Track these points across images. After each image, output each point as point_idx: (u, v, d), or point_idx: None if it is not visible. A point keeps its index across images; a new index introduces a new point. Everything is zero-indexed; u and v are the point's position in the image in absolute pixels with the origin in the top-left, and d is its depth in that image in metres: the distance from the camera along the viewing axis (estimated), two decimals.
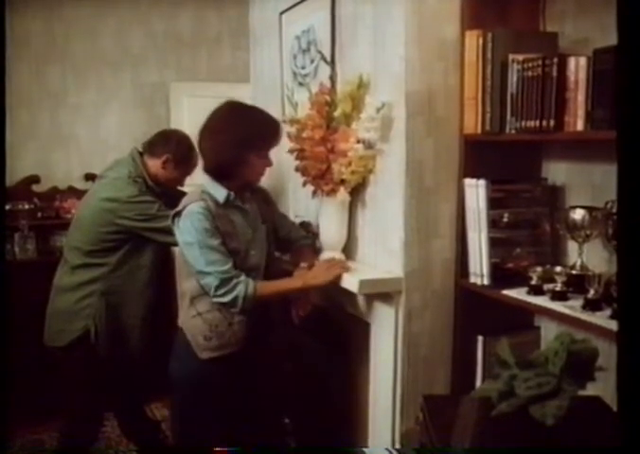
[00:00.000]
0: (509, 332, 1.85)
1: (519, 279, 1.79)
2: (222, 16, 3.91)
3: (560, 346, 1.32)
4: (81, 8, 3.60)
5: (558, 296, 1.65)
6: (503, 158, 1.85)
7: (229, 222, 1.98)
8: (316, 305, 2.18)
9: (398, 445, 1.99)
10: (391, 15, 1.91)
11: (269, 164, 2.06)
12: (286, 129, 2.17)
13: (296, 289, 2.04)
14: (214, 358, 1.98)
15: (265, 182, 2.19)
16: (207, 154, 2.01)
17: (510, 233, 1.85)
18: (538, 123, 1.61)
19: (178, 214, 1.96)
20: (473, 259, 1.84)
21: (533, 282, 1.73)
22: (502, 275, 1.82)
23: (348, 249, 2.21)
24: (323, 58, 2.25)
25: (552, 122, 1.58)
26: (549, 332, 1.94)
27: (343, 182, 2.07)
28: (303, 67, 2.50)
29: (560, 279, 1.67)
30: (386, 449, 1.99)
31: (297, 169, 2.23)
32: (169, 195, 2.39)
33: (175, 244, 2.09)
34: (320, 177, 2.14)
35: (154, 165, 2.43)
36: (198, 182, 2.10)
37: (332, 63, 2.24)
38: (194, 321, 2.00)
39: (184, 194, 2.19)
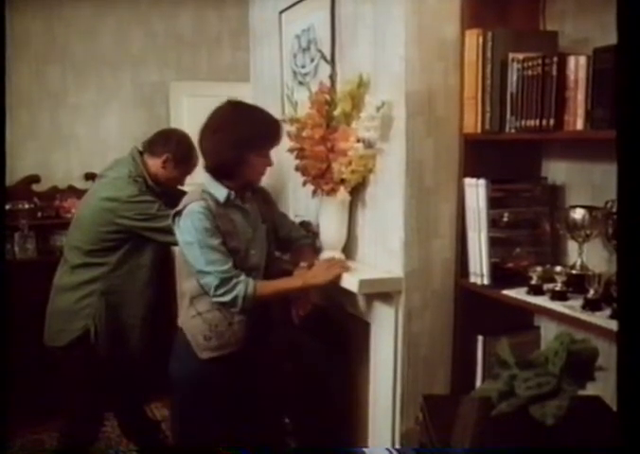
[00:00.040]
0: (509, 332, 1.85)
1: (519, 279, 1.78)
2: (222, 16, 3.91)
3: (559, 346, 1.32)
4: (81, 9, 3.60)
5: (557, 296, 1.65)
6: (503, 157, 1.85)
7: (229, 222, 1.98)
8: (316, 305, 2.18)
9: (398, 445, 1.99)
10: (391, 15, 1.90)
11: (269, 163, 2.06)
12: (286, 128, 2.17)
13: (296, 289, 2.04)
14: (214, 358, 1.98)
15: (265, 181, 2.19)
16: (208, 153, 2.01)
17: (510, 232, 1.85)
18: (538, 122, 1.61)
19: (178, 213, 1.96)
20: (473, 259, 1.84)
21: (533, 282, 1.73)
22: (502, 275, 1.82)
23: (348, 248, 2.21)
24: (323, 57, 2.25)
25: (552, 121, 1.57)
26: (549, 332, 1.94)
27: (343, 181, 2.07)
28: (303, 66, 2.49)
29: (559, 279, 1.67)
30: (386, 449, 1.99)
31: (297, 169, 2.23)
32: (170, 194, 2.39)
33: (175, 244, 2.09)
34: (320, 176, 2.14)
35: (154, 164, 2.43)
36: (198, 181, 2.11)
37: (332, 62, 2.24)
38: (194, 321, 2.00)
39: (184, 193, 2.19)
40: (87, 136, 3.69)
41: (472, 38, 1.77)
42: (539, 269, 1.73)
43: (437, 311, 1.97)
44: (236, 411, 2.10)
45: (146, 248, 2.39)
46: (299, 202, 2.57)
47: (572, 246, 1.83)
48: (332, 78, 2.23)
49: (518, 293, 1.74)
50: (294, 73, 2.57)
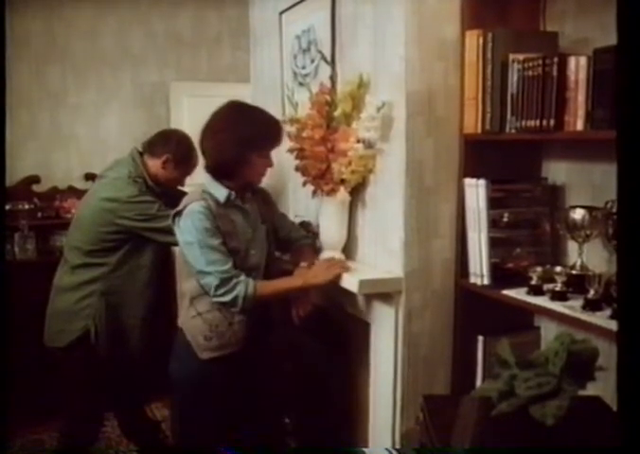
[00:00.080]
0: (509, 332, 1.85)
1: (519, 279, 1.78)
2: (222, 16, 3.92)
3: (560, 346, 1.32)
4: (81, 9, 3.60)
5: (557, 296, 1.65)
6: (503, 158, 1.85)
7: (229, 222, 1.98)
8: (316, 305, 2.18)
9: (398, 446, 1.99)
10: (391, 15, 1.91)
11: (270, 164, 2.06)
12: (286, 128, 2.17)
13: (297, 288, 2.04)
14: (214, 359, 1.98)
15: (265, 181, 2.19)
16: (209, 153, 2.01)
17: (510, 233, 1.85)
18: (538, 123, 1.61)
19: (179, 213, 1.96)
20: (473, 259, 1.84)
21: (533, 282, 1.73)
22: (502, 275, 1.82)
23: (348, 249, 2.21)
24: (323, 57, 2.25)
25: (552, 122, 1.57)
26: (549, 332, 1.94)
27: (343, 181, 2.07)
28: (303, 67, 2.50)
29: (559, 279, 1.67)
30: (386, 449, 1.99)
31: (297, 169, 2.23)
32: (170, 195, 2.39)
33: (175, 244, 2.09)
34: (320, 177, 2.14)
35: (154, 165, 2.43)
36: (199, 181, 2.11)
37: (333, 63, 2.24)
38: (194, 321, 2.00)
39: (184, 194, 2.19)
40: (87, 136, 3.70)
41: (473, 38, 1.77)
42: (539, 269, 1.73)
43: (437, 311, 1.98)
44: (236, 412, 2.10)
45: (146, 248, 2.39)
46: (299, 203, 2.57)
47: (572, 246, 1.83)
48: (333, 78, 2.23)
49: (518, 293, 1.74)
50: (295, 74, 2.57)
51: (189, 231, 1.92)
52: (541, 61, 1.60)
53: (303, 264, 2.10)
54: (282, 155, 2.21)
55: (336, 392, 2.36)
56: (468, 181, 1.83)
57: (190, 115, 3.52)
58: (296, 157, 2.21)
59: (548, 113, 1.58)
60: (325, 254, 2.18)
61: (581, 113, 1.52)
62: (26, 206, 3.37)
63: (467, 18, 1.82)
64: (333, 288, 2.04)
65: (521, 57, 1.67)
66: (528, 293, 1.72)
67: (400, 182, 1.91)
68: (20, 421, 2.64)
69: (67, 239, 2.53)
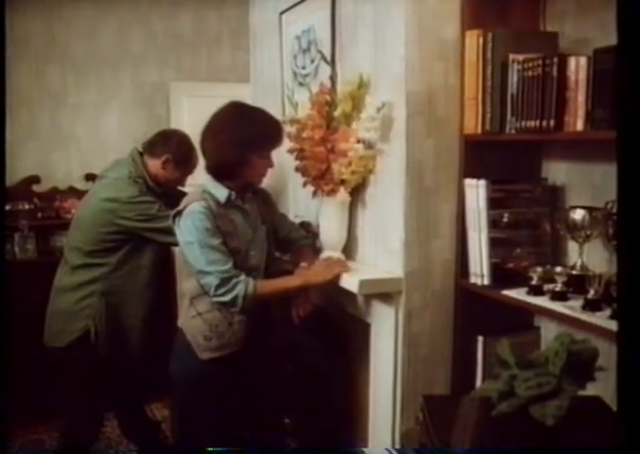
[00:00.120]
0: (509, 332, 1.85)
1: (519, 279, 1.79)
2: (222, 16, 3.91)
3: (560, 346, 1.32)
4: (81, 9, 3.60)
5: (558, 296, 1.65)
6: (503, 158, 1.85)
7: (230, 222, 1.98)
8: (316, 306, 2.18)
9: (398, 445, 1.99)
10: (391, 15, 1.91)
11: (270, 165, 2.07)
12: (286, 129, 2.17)
13: (297, 287, 2.03)
14: (214, 359, 1.98)
15: (265, 182, 2.19)
16: (210, 154, 2.01)
17: (510, 233, 1.85)
18: (538, 123, 1.61)
19: (179, 213, 1.96)
20: (473, 259, 1.84)
21: (533, 282, 1.73)
22: (502, 275, 1.82)
23: (348, 249, 2.21)
24: (323, 58, 2.26)
25: (552, 122, 1.58)
26: (549, 332, 1.94)
27: (343, 182, 2.07)
28: (303, 67, 2.50)
29: (560, 279, 1.67)
30: (386, 449, 1.99)
31: (297, 169, 2.23)
32: (170, 195, 2.39)
33: (176, 244, 2.09)
34: (320, 177, 2.14)
35: (154, 165, 2.43)
36: (199, 181, 2.11)
37: (333, 63, 2.24)
38: (194, 321, 2.00)
39: (184, 194, 2.19)
40: (87, 136, 3.69)
41: (473, 38, 1.77)
42: (539, 269, 1.73)
43: (438, 311, 1.98)
44: (236, 412, 2.10)
45: (146, 248, 2.38)
46: (299, 203, 2.57)
47: (572, 246, 1.83)
48: (333, 78, 2.23)
49: (518, 294, 1.74)
50: (295, 74, 2.57)
51: (190, 231, 1.92)
52: (541, 62, 1.60)
53: (303, 264, 2.10)
54: (282, 156, 2.21)
55: (336, 392, 2.36)
56: (468, 181, 1.83)
57: (190, 115, 3.52)
58: (296, 158, 2.21)
59: (548, 113, 1.58)
60: (325, 255, 2.18)
61: (581, 113, 1.52)
62: (27, 206, 3.36)
63: (467, 18, 1.82)
64: (333, 288, 2.04)
65: (521, 57, 1.67)
66: (528, 293, 1.73)
67: (400, 182, 1.91)
68: (20, 421, 2.65)
69: (67, 240, 2.53)
